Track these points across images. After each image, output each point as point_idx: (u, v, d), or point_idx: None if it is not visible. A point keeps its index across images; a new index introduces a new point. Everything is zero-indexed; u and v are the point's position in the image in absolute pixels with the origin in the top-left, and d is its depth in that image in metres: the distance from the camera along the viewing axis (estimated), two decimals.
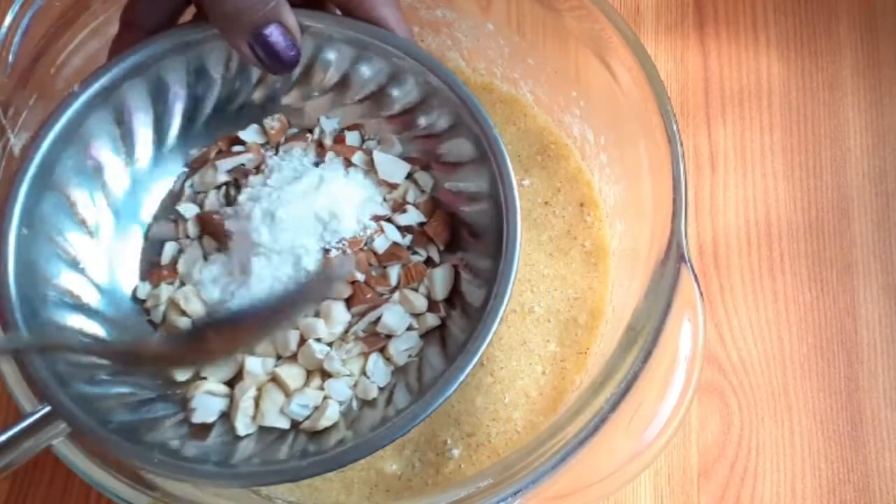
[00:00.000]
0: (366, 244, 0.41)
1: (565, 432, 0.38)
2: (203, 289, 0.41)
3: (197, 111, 0.42)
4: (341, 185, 0.41)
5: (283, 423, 0.39)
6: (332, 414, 0.39)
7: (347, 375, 0.40)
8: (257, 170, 0.43)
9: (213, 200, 0.43)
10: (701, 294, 0.41)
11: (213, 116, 0.42)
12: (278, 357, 0.40)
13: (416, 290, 0.41)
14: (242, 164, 0.43)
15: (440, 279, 0.41)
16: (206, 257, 0.42)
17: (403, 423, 0.36)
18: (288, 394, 0.39)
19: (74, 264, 0.39)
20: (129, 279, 0.42)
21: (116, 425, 0.35)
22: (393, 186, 0.43)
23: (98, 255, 0.40)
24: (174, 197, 0.43)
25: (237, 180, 0.43)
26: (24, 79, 0.44)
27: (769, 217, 0.56)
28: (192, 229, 0.42)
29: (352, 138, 0.43)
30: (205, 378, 0.40)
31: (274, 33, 0.35)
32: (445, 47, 0.54)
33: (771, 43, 0.59)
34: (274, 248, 0.39)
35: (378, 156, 0.42)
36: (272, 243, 0.39)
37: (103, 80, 0.37)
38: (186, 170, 0.43)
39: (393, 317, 0.40)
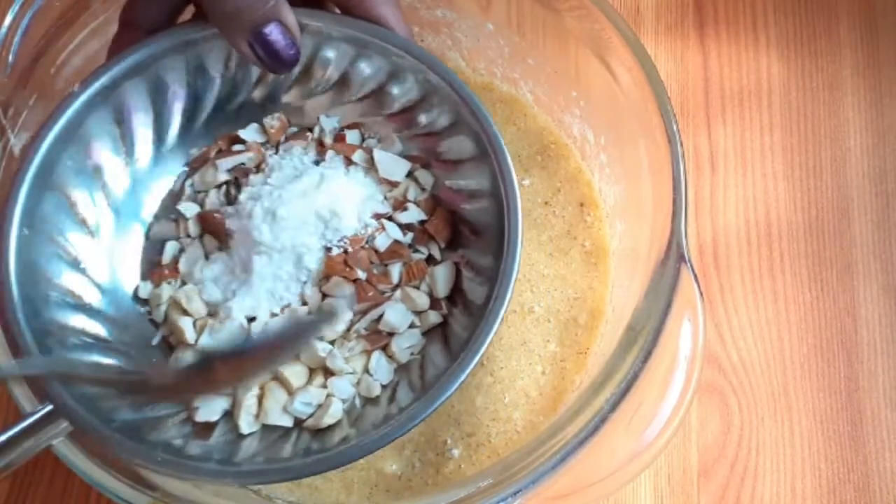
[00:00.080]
0: (367, 242, 0.41)
1: (565, 432, 0.38)
2: (204, 288, 0.41)
3: (197, 110, 0.42)
4: (342, 183, 0.41)
5: (287, 422, 0.39)
6: (335, 412, 0.39)
7: (350, 373, 0.40)
8: (258, 169, 0.43)
9: (213, 199, 0.43)
10: (701, 294, 0.41)
11: (212, 115, 0.42)
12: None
13: (417, 287, 0.41)
14: (243, 164, 0.43)
15: (442, 277, 0.41)
16: (207, 256, 0.42)
17: (406, 421, 0.36)
18: (291, 392, 0.39)
19: (75, 264, 0.39)
20: (130, 279, 0.42)
21: (119, 424, 0.35)
22: (393, 185, 0.43)
23: (99, 255, 0.40)
24: (175, 196, 0.43)
25: (237, 179, 0.43)
26: (24, 79, 0.44)
27: (769, 217, 0.56)
28: (192, 228, 0.42)
29: (352, 137, 0.43)
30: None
31: (273, 32, 0.35)
32: (445, 47, 0.54)
33: (771, 43, 0.59)
34: (275, 246, 0.39)
35: (378, 154, 0.42)
36: (273, 242, 0.39)
37: (103, 80, 0.37)
38: (186, 169, 0.43)
39: (395, 314, 0.40)
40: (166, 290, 0.41)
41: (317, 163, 0.43)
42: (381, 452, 0.47)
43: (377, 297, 0.40)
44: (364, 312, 0.41)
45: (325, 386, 0.40)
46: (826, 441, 0.51)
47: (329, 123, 0.44)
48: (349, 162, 0.43)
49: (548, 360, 0.49)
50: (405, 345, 0.40)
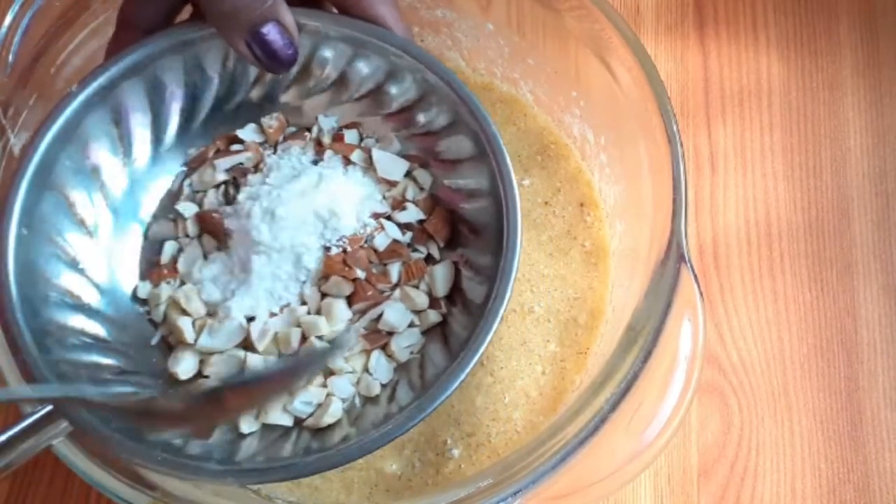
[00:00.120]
0: (366, 241, 0.41)
1: (565, 432, 0.38)
2: (203, 288, 0.41)
3: (195, 110, 0.42)
4: (340, 183, 0.41)
5: (287, 421, 0.39)
6: (335, 411, 0.39)
7: (350, 372, 0.40)
8: (256, 168, 0.43)
9: (212, 199, 0.43)
10: (701, 294, 0.41)
11: (210, 115, 0.42)
12: (280, 355, 0.40)
13: (416, 287, 0.41)
14: (241, 164, 0.43)
15: (441, 276, 0.41)
16: (206, 256, 0.42)
17: (405, 420, 0.36)
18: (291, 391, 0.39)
19: (74, 264, 0.39)
20: (128, 278, 0.42)
21: (119, 424, 0.35)
22: (392, 184, 0.43)
23: (97, 255, 0.40)
24: (173, 196, 0.43)
25: (236, 179, 0.43)
26: (24, 79, 0.44)
27: (769, 217, 0.56)
28: (191, 228, 0.42)
29: (350, 136, 0.43)
30: (207, 377, 0.40)
31: (271, 32, 0.35)
32: (445, 47, 0.54)
33: (771, 43, 0.59)
34: (274, 246, 0.39)
35: (377, 153, 0.42)
36: (272, 241, 0.39)
37: (101, 80, 0.37)
38: (185, 169, 0.43)
39: (394, 314, 0.40)
40: (165, 290, 0.41)
41: (315, 162, 0.43)
42: (381, 452, 0.47)
43: (376, 296, 0.40)
44: (363, 312, 0.41)
45: (324, 385, 0.40)
46: (826, 441, 0.51)
47: (327, 123, 0.44)
48: (347, 161, 0.43)
49: (548, 360, 0.49)
50: (404, 344, 0.40)
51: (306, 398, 0.39)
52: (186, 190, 0.43)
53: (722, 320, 0.53)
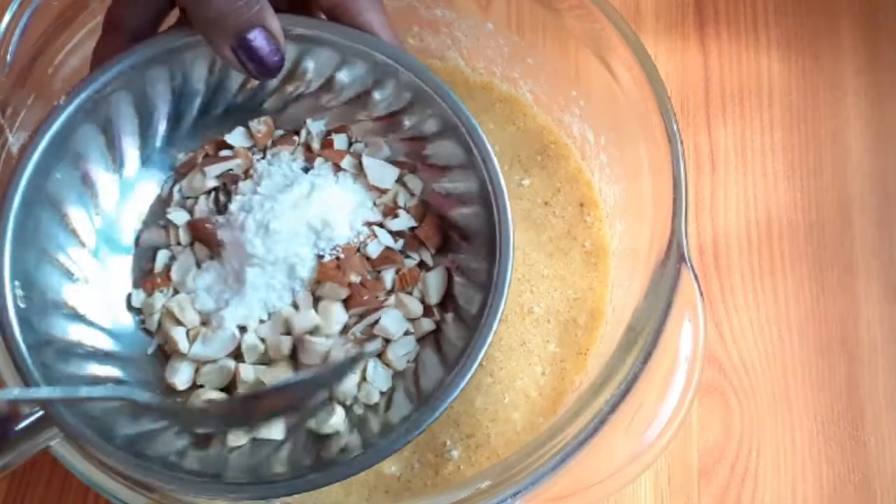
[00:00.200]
0: (359, 249, 0.41)
1: (565, 433, 0.38)
2: (197, 297, 0.41)
3: (182, 116, 0.42)
4: (332, 192, 0.41)
5: (278, 435, 0.39)
6: (336, 421, 0.39)
7: (353, 373, 0.40)
8: (246, 174, 0.43)
9: (202, 206, 0.42)
10: (701, 294, 0.41)
11: (197, 120, 0.42)
12: (270, 362, 0.40)
13: (410, 294, 0.41)
14: (230, 170, 0.42)
15: (434, 283, 0.41)
16: (199, 265, 0.42)
17: (407, 431, 0.36)
18: None
19: (69, 275, 0.39)
20: (122, 287, 0.41)
21: (121, 440, 0.35)
22: (383, 191, 0.42)
23: (91, 265, 0.40)
24: (163, 202, 0.43)
25: (226, 185, 0.43)
26: (23, 78, 0.44)
27: (769, 217, 0.55)
28: (183, 236, 0.42)
29: (339, 141, 0.43)
30: (202, 386, 0.40)
31: (258, 38, 0.35)
32: (445, 47, 0.54)
33: (771, 43, 0.59)
34: (268, 259, 0.39)
35: (367, 160, 0.42)
36: (266, 254, 0.39)
37: (88, 92, 0.37)
38: (173, 174, 0.43)
39: (391, 321, 0.40)
40: (159, 299, 0.41)
41: (306, 170, 0.43)
42: None
43: (372, 300, 0.40)
44: (360, 317, 0.41)
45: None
46: (826, 442, 0.51)
47: (316, 127, 0.43)
48: (338, 168, 0.42)
49: (547, 361, 0.49)
50: (401, 352, 0.40)
51: None
52: (176, 196, 0.43)
53: (722, 320, 0.53)
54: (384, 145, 0.43)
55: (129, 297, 0.41)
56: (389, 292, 0.41)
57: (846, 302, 0.54)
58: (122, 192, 0.41)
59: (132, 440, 0.36)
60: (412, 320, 0.41)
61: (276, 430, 0.39)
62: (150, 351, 0.41)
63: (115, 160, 0.40)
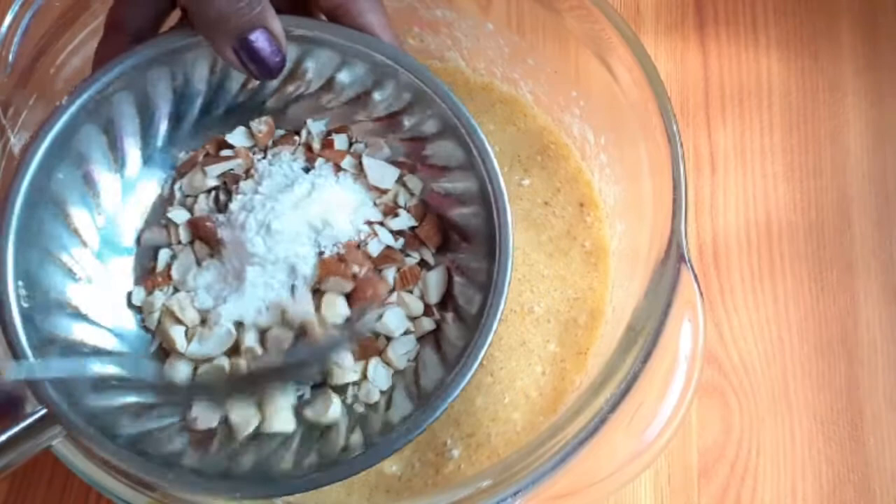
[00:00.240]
0: (359, 246, 0.41)
1: (565, 433, 0.38)
2: (197, 296, 0.41)
3: (183, 116, 0.42)
4: (333, 191, 0.41)
5: (290, 426, 0.39)
6: (334, 412, 0.39)
7: (348, 350, 0.40)
8: (246, 174, 0.43)
9: (202, 205, 0.43)
10: (701, 294, 0.41)
11: (199, 119, 0.42)
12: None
13: (411, 292, 0.41)
14: (231, 170, 0.43)
15: (434, 282, 0.41)
16: (199, 263, 0.42)
17: (408, 431, 0.36)
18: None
19: (72, 275, 0.39)
20: (124, 287, 0.42)
21: (123, 439, 0.35)
22: (383, 191, 0.43)
23: (94, 264, 0.40)
24: (164, 201, 0.43)
25: (226, 184, 0.43)
26: (24, 78, 0.44)
27: (769, 217, 0.55)
28: (183, 235, 0.42)
29: (339, 141, 0.43)
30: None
31: (259, 39, 0.35)
32: (445, 47, 0.54)
33: (771, 43, 0.59)
34: (269, 258, 0.40)
35: (367, 161, 0.42)
36: (267, 254, 0.40)
37: (90, 92, 0.37)
38: (174, 173, 0.43)
39: (394, 319, 0.40)
40: (159, 298, 0.41)
41: (306, 170, 0.43)
42: None
43: (377, 295, 0.40)
44: (362, 313, 0.41)
45: (325, 383, 0.40)
46: (826, 441, 0.51)
47: (316, 127, 0.44)
48: (338, 169, 0.43)
49: (548, 361, 0.49)
50: (402, 351, 0.40)
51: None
52: (178, 194, 0.43)
53: (722, 320, 0.53)
54: (384, 145, 0.43)
55: (129, 295, 0.41)
56: (391, 290, 0.41)
57: (846, 302, 0.54)
58: (123, 192, 0.41)
59: (134, 439, 0.36)
60: (412, 319, 0.41)
61: (285, 422, 0.39)
62: (151, 350, 0.41)
63: (117, 160, 0.41)
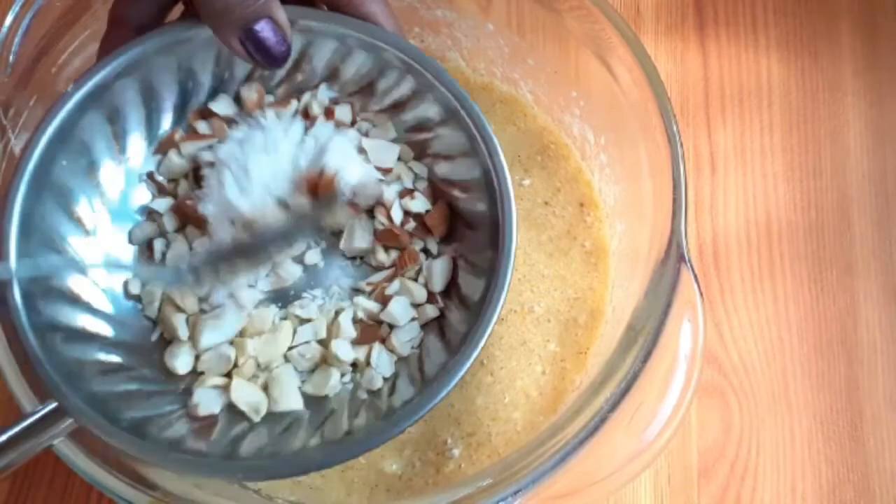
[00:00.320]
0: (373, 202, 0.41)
1: (565, 432, 0.38)
2: None
3: (187, 107, 0.42)
4: (335, 140, 0.41)
5: (298, 405, 0.39)
6: (334, 384, 0.40)
7: (349, 359, 0.40)
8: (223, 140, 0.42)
9: (185, 187, 0.42)
10: (701, 294, 0.41)
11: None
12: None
13: (415, 279, 0.41)
14: (209, 147, 0.42)
15: (438, 270, 0.41)
16: (191, 247, 0.42)
17: (409, 414, 0.36)
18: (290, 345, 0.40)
19: (72, 262, 0.39)
20: (125, 276, 0.42)
21: (127, 423, 0.35)
22: (386, 170, 0.43)
23: (96, 253, 0.40)
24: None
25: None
26: (25, 79, 0.44)
27: (769, 217, 0.56)
28: (169, 223, 0.42)
29: (342, 111, 0.43)
30: (202, 373, 0.40)
31: (264, 29, 0.36)
32: (445, 47, 0.54)
33: (771, 44, 0.59)
34: (252, 202, 0.40)
35: (367, 142, 0.42)
36: (248, 206, 0.39)
37: (95, 80, 0.37)
38: (160, 156, 0.43)
39: (398, 307, 0.40)
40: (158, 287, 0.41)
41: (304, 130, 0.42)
42: (382, 452, 0.47)
43: (406, 240, 0.41)
44: (374, 287, 0.41)
45: (325, 356, 0.41)
46: (826, 441, 0.51)
47: (326, 93, 0.43)
48: (341, 126, 0.42)
49: (548, 360, 0.49)
50: (405, 338, 0.41)
51: (303, 351, 0.40)
52: (158, 178, 0.42)
53: (722, 320, 0.53)
54: (391, 128, 0.43)
55: (125, 284, 0.41)
56: (392, 277, 0.41)
57: (845, 302, 0.54)
58: (127, 182, 0.41)
59: (138, 423, 0.36)
60: (416, 307, 0.41)
61: (294, 401, 0.39)
62: (153, 338, 0.41)
63: (122, 150, 0.41)
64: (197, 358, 0.40)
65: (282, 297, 0.42)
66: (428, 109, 0.40)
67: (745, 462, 0.51)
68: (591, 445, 0.38)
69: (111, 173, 0.41)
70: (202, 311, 0.41)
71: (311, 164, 0.40)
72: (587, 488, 0.41)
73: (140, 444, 0.35)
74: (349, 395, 0.40)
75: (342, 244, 0.42)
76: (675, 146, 0.41)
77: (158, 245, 0.42)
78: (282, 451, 0.37)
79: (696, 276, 0.41)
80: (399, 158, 0.43)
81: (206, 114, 0.42)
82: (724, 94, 0.58)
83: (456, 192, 0.42)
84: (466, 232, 0.41)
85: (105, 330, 0.39)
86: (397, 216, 0.41)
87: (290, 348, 0.41)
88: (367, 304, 0.41)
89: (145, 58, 0.38)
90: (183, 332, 0.40)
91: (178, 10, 0.39)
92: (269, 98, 0.43)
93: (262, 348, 0.40)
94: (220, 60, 0.40)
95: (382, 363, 0.40)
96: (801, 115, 0.58)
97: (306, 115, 0.43)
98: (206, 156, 0.41)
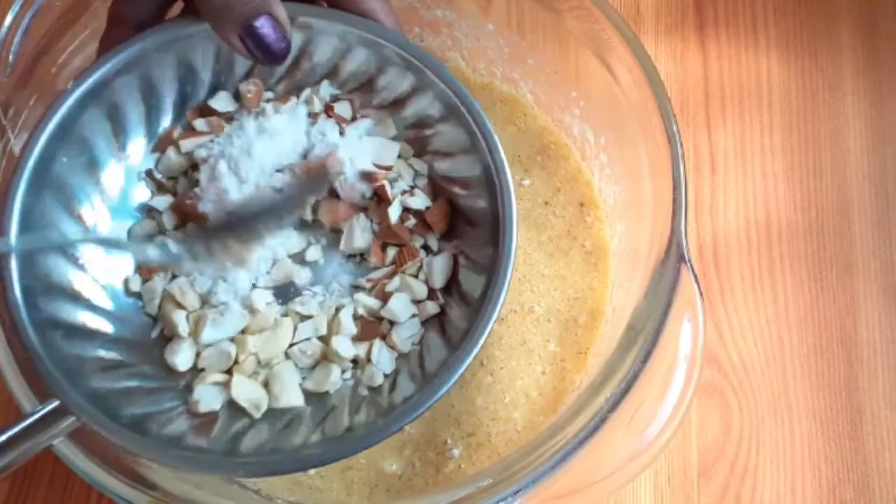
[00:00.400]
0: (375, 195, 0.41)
1: (565, 432, 0.38)
2: (196, 279, 0.41)
3: (187, 104, 0.42)
4: (336, 137, 0.41)
5: (298, 401, 0.39)
6: (335, 379, 0.39)
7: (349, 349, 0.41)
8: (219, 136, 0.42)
9: (183, 184, 0.42)
10: (701, 294, 0.41)
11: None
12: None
13: (416, 276, 0.41)
14: (208, 143, 0.42)
15: (439, 267, 0.41)
16: None
17: (410, 410, 0.36)
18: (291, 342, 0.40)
19: (74, 260, 0.39)
20: (125, 272, 0.42)
21: (127, 420, 0.35)
22: (386, 168, 0.43)
23: (96, 251, 0.40)
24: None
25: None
26: (25, 79, 0.44)
27: (769, 217, 0.56)
28: (169, 221, 0.42)
29: (341, 108, 0.43)
30: (203, 370, 0.40)
31: (264, 26, 0.36)
32: (445, 47, 0.54)
33: (771, 44, 0.59)
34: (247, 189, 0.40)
35: (366, 140, 0.42)
36: (240, 188, 0.40)
37: (95, 77, 0.37)
38: (158, 154, 0.43)
39: (399, 304, 0.40)
40: (159, 283, 0.41)
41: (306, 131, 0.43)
42: (382, 452, 0.47)
43: (406, 236, 0.41)
44: (375, 284, 0.41)
45: (325, 352, 0.41)
46: (826, 441, 0.51)
47: (327, 90, 0.43)
48: (343, 122, 0.42)
49: (548, 360, 0.49)
50: (406, 335, 0.41)
51: (305, 347, 0.40)
52: (157, 176, 0.42)
53: (722, 320, 0.53)
54: (391, 125, 0.43)
55: (125, 281, 0.41)
56: (392, 273, 0.41)
57: (845, 302, 0.54)
58: (126, 179, 0.41)
59: (138, 420, 0.36)
60: (417, 303, 0.41)
61: (294, 398, 0.39)
62: (154, 335, 0.41)
63: (122, 147, 0.41)
64: (197, 355, 0.40)
65: (282, 294, 0.42)
66: (428, 106, 0.40)
67: (745, 462, 0.51)
68: (591, 445, 0.38)
69: (111, 171, 0.41)
70: (206, 308, 0.41)
71: (313, 154, 0.41)
72: (587, 488, 0.41)
73: (140, 441, 0.35)
74: (350, 392, 0.40)
75: (342, 245, 0.42)
76: (675, 146, 0.41)
77: (158, 242, 0.42)
78: (283, 448, 0.37)
79: (696, 276, 0.41)
80: (399, 156, 0.43)
81: (204, 111, 0.42)
82: (724, 94, 0.58)
83: (456, 189, 0.42)
84: (467, 228, 0.42)
85: (105, 327, 0.39)
86: (395, 214, 0.41)
87: (291, 345, 0.41)
88: (368, 301, 0.41)
89: (145, 55, 0.38)
90: (183, 329, 0.40)
91: (178, 7, 0.39)
92: (269, 95, 0.43)
93: (263, 345, 0.40)
94: (220, 57, 0.40)
95: (383, 360, 0.40)
96: (801, 115, 0.58)
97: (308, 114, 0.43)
98: (203, 153, 0.41)
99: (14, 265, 0.36)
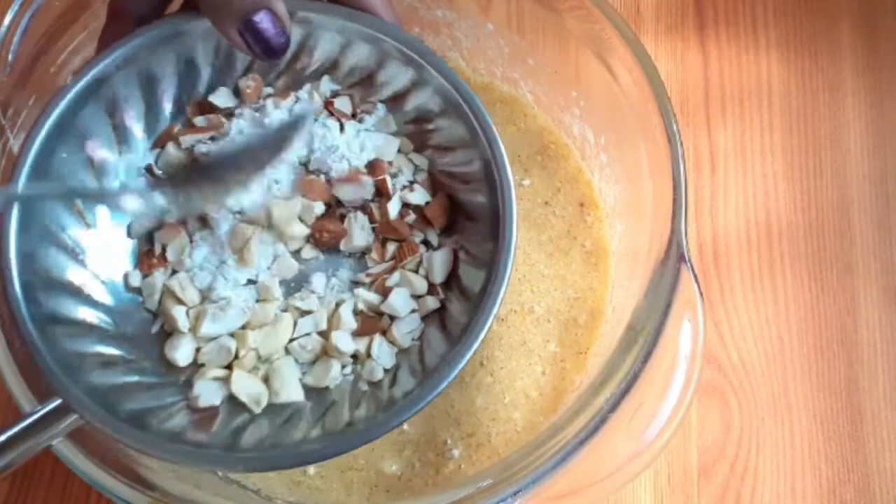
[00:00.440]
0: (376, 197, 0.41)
1: (565, 432, 0.38)
2: (196, 275, 0.41)
3: (187, 99, 0.42)
4: (337, 133, 0.41)
5: (298, 396, 0.39)
6: (335, 374, 0.39)
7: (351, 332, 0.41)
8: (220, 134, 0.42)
9: None
10: (701, 294, 0.41)
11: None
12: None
13: (416, 271, 0.41)
14: (210, 139, 0.42)
15: (439, 262, 0.41)
16: (191, 240, 0.42)
17: (410, 405, 0.36)
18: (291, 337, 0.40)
19: (74, 255, 0.39)
20: (125, 268, 0.42)
21: (127, 415, 0.35)
22: (387, 163, 0.43)
23: (97, 246, 0.40)
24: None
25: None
26: (24, 78, 0.44)
27: (769, 217, 0.56)
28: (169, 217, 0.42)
29: (341, 103, 0.43)
30: (203, 365, 0.40)
31: (263, 20, 0.36)
32: (445, 47, 0.54)
33: (771, 44, 0.59)
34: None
35: (366, 135, 0.42)
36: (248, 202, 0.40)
37: (95, 72, 0.37)
38: (158, 150, 0.43)
39: (399, 299, 0.40)
40: (159, 279, 0.41)
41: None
42: (381, 452, 0.47)
43: (405, 232, 0.41)
44: (375, 279, 0.41)
45: (325, 346, 0.41)
46: (826, 441, 0.51)
47: (328, 86, 0.43)
48: (343, 117, 0.42)
49: (548, 361, 0.49)
50: (406, 329, 0.41)
51: (305, 343, 0.40)
52: (158, 172, 0.42)
53: (722, 320, 0.53)
54: (391, 121, 0.43)
55: (125, 276, 0.41)
56: (392, 268, 0.41)
57: (846, 302, 0.54)
58: (126, 175, 0.41)
59: (139, 415, 0.36)
60: (417, 298, 0.41)
61: (294, 393, 0.39)
62: (154, 330, 0.41)
63: (121, 142, 0.41)
64: (197, 350, 0.40)
65: (282, 289, 0.42)
66: (428, 101, 0.40)
67: (745, 462, 0.51)
68: (591, 445, 0.38)
69: (111, 165, 0.41)
70: (206, 303, 0.41)
71: (313, 154, 0.41)
72: (587, 488, 0.41)
73: (141, 436, 0.35)
74: (350, 387, 0.40)
75: (342, 245, 0.42)
76: (675, 146, 0.41)
77: (158, 237, 0.42)
78: (283, 443, 0.37)
79: (696, 276, 0.41)
80: (399, 150, 0.43)
81: (204, 107, 0.42)
82: (724, 94, 0.58)
83: (456, 184, 0.42)
84: (467, 223, 0.42)
85: (105, 322, 0.39)
86: (395, 209, 0.41)
87: (291, 340, 0.41)
88: (368, 296, 0.41)
89: (144, 50, 0.38)
90: (183, 324, 0.40)
91: (178, 2, 0.39)
92: (269, 90, 0.43)
93: (263, 340, 0.40)
94: (220, 53, 0.40)
95: (383, 354, 0.40)
96: (802, 116, 0.58)
97: None
98: (203, 148, 0.41)
99: (14, 262, 0.36)
